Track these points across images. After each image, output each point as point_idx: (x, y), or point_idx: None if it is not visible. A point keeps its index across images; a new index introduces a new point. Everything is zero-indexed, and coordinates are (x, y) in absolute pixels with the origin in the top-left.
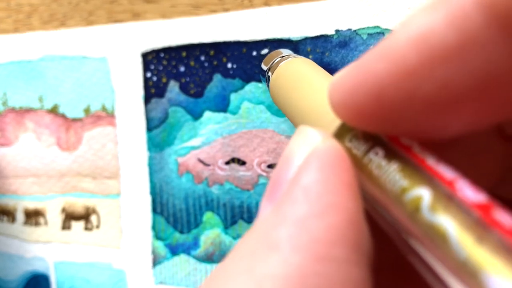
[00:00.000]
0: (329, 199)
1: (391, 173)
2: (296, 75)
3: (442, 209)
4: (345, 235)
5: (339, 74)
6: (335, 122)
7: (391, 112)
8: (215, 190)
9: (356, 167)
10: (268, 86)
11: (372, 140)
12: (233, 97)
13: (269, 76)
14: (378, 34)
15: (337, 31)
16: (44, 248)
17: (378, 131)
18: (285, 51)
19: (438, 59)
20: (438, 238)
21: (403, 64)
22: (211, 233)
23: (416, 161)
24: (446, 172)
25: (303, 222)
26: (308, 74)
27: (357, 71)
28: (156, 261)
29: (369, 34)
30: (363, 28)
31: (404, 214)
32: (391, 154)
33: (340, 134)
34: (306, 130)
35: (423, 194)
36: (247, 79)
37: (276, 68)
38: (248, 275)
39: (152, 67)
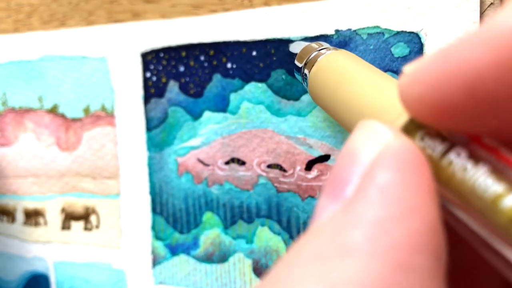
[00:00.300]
0: (410, 202)
1: (480, 177)
2: (341, 68)
3: None
4: (427, 242)
5: (416, 64)
6: (400, 118)
7: (484, 108)
8: (214, 190)
9: (432, 168)
10: (304, 82)
11: (450, 139)
12: (233, 97)
13: (305, 73)
14: (378, 34)
15: (337, 31)
16: (43, 248)
17: (457, 130)
18: (322, 44)
19: None
20: None
21: (509, 52)
22: (210, 233)
23: (507, 164)
24: None
25: (382, 225)
26: (355, 67)
27: (445, 60)
28: (155, 261)
29: (369, 34)
30: (363, 28)
31: (499, 223)
32: (477, 155)
33: (408, 131)
34: (372, 124)
35: None
36: (246, 79)
37: (314, 63)
38: (320, 280)
39: (152, 67)
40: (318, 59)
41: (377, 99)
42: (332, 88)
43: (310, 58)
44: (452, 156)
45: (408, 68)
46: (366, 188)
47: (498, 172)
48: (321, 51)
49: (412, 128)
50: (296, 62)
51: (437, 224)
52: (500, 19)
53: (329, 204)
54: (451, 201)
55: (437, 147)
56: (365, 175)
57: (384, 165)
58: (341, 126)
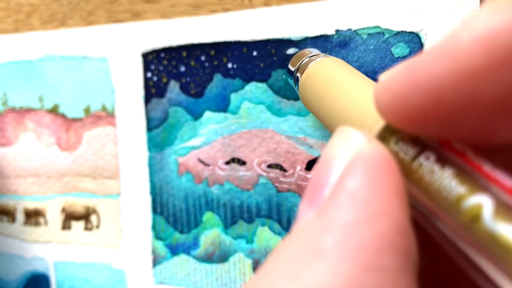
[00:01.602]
0: (377, 205)
1: (446, 179)
2: (329, 75)
3: (506, 218)
4: (394, 243)
5: (389, 73)
6: (377, 124)
7: (447, 115)
8: (215, 190)
9: (403, 172)
10: (296, 87)
11: (422, 144)
12: (233, 97)
13: (297, 77)
14: (378, 34)
15: (337, 31)
16: (44, 248)
17: (428, 135)
18: (314, 51)
19: (505, 61)
20: (501, 249)
21: (467, 64)
22: (211, 233)
23: (471, 167)
24: (505, 179)
25: (350, 228)
26: (342, 73)
27: (412, 71)
28: (156, 261)
29: (369, 34)
30: (363, 28)
31: (461, 222)
32: (444, 159)
33: (384, 136)
34: (347, 131)
35: (483, 201)
36: (247, 79)
37: (305, 69)
38: (293, 283)
39: (153, 67)
40: (309, 65)
41: (359, 106)
42: (320, 93)
43: (302, 63)
44: (421, 159)
45: (382, 77)
46: (337, 193)
47: (462, 174)
48: (312, 57)
49: (387, 133)
50: (290, 66)
51: (405, 225)
52: (459, 33)
53: (307, 209)
54: (423, 203)
55: (409, 151)
56: (337, 180)
57: (354, 170)
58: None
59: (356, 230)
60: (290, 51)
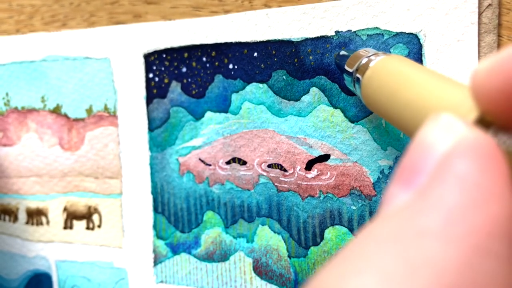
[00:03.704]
0: (489, 189)
1: None
2: (399, 71)
3: None
4: (506, 229)
5: (491, 60)
6: (470, 114)
7: None
8: (216, 189)
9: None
10: (356, 87)
11: None
12: (234, 97)
13: (357, 77)
14: (377, 35)
15: (337, 32)
16: (46, 247)
17: None
18: (370, 50)
19: None
20: None
21: None
22: (211, 232)
23: None
24: None
25: (459, 211)
26: (413, 69)
27: None
28: (157, 260)
29: (369, 35)
30: (363, 29)
31: None
32: None
33: (479, 126)
34: (447, 118)
35: None
36: (248, 80)
37: (366, 68)
38: (396, 258)
39: (154, 67)
40: (371, 65)
41: (443, 98)
42: (391, 90)
43: (362, 63)
44: None
45: (483, 65)
46: (443, 176)
47: None
48: (371, 57)
49: (483, 123)
50: (347, 68)
51: None
52: None
53: (400, 192)
54: None
55: (506, 141)
56: (440, 164)
57: (461, 155)
58: (341, 126)
59: (465, 213)
60: (342, 52)
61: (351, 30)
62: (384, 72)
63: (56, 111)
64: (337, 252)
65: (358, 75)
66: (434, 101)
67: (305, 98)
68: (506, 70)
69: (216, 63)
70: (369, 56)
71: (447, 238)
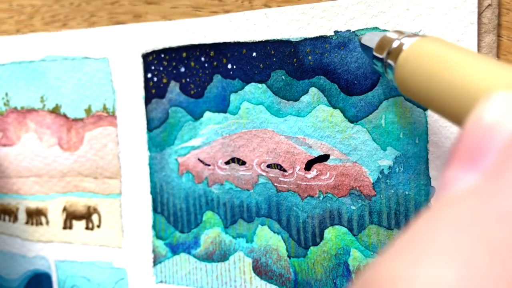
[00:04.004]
0: None
1: None
2: (439, 53)
3: None
4: None
5: None
6: None
7: None
8: (215, 189)
9: None
10: (388, 72)
11: None
12: (233, 97)
13: (389, 63)
14: None
15: (336, 32)
16: (45, 247)
17: None
18: (396, 32)
19: None
20: None
21: None
22: (211, 232)
23: None
24: None
25: None
26: (454, 49)
27: None
28: (156, 260)
29: None
30: (362, 29)
31: None
32: None
33: None
34: (507, 96)
35: None
36: (247, 80)
37: (400, 52)
38: (479, 244)
39: (153, 67)
40: (404, 47)
41: (492, 78)
42: (431, 73)
43: (392, 47)
44: None
45: None
46: None
47: None
48: (403, 39)
49: None
50: (376, 54)
51: None
52: None
53: (464, 174)
54: None
55: None
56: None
57: None
58: (341, 126)
59: None
60: (366, 39)
61: (350, 30)
62: (421, 55)
63: (55, 111)
64: (396, 238)
65: (389, 61)
66: (483, 81)
67: (304, 98)
68: None
69: (215, 63)
70: (400, 39)
71: None
